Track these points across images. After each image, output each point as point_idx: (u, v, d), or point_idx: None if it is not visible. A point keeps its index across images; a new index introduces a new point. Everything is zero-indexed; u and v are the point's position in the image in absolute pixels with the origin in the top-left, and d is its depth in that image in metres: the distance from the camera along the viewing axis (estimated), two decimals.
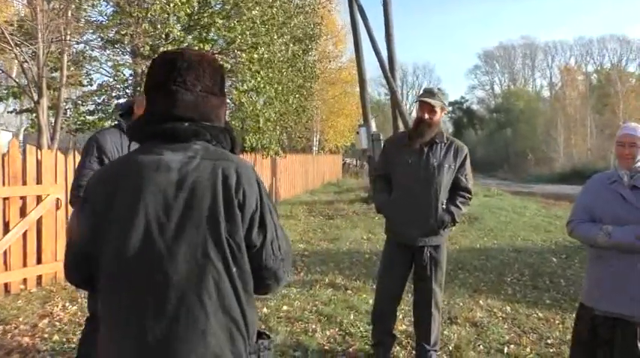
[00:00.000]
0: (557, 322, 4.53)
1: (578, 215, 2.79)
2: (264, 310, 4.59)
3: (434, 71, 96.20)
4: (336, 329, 4.23)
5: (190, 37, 8.75)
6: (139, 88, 8.55)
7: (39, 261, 5.37)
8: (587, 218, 2.73)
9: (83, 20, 7.93)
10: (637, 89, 50.29)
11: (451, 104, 69.26)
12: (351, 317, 4.51)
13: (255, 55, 9.37)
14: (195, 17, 8.87)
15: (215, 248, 1.28)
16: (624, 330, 2.56)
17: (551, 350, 3.88)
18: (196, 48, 8.15)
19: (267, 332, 1.48)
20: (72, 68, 9.24)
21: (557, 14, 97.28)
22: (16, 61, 8.55)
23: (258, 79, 9.75)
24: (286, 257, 1.42)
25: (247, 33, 9.08)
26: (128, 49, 8.98)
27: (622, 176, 2.65)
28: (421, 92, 3.59)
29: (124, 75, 8.98)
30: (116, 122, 3.06)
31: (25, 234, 5.21)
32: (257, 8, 9.43)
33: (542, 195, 19.74)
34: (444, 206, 3.35)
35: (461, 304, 5.00)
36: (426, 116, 3.30)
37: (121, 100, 9.26)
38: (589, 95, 49.17)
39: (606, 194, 2.69)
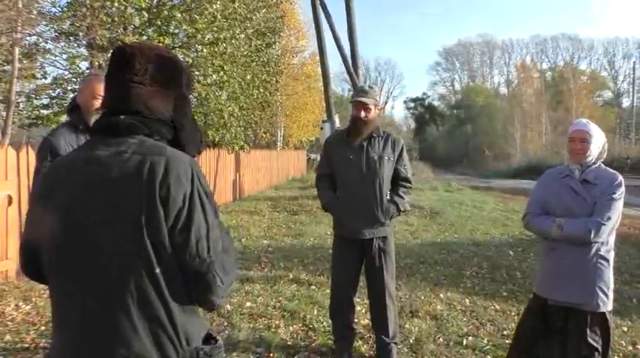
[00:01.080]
0: (512, 313, 4.68)
1: (532, 208, 2.90)
2: (227, 307, 4.56)
3: (396, 67, 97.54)
4: (300, 325, 4.25)
5: (150, 29, 8.54)
6: None
7: None
8: (541, 211, 2.84)
9: (35, 12, 7.61)
10: (588, 87, 52.44)
11: (413, 100, 70.54)
12: (315, 312, 4.54)
13: (217, 50, 9.24)
14: (155, 10, 8.66)
15: (136, 246, 1.22)
16: (577, 318, 2.69)
17: (507, 341, 3.98)
18: (156, 41, 7.97)
19: (216, 336, 1.39)
20: (24, 61, 8.88)
21: (516, 13, 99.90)
22: None
23: (221, 73, 9.62)
24: (217, 260, 1.28)
25: (209, 27, 8.93)
26: (84, 42, 8.68)
27: (573, 170, 2.77)
28: (354, 91, 3.71)
29: (80, 68, 8.67)
30: (68, 119, 2.97)
31: None
32: (218, 2, 9.28)
33: (500, 190, 20.32)
34: (387, 197, 3.46)
35: (422, 297, 5.10)
36: (362, 114, 3.45)
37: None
38: (544, 92, 50.78)
39: (559, 188, 2.81)
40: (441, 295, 5.19)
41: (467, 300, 5.03)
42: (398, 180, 3.55)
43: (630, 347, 3.96)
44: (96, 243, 1.25)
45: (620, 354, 3.82)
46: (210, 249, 1.26)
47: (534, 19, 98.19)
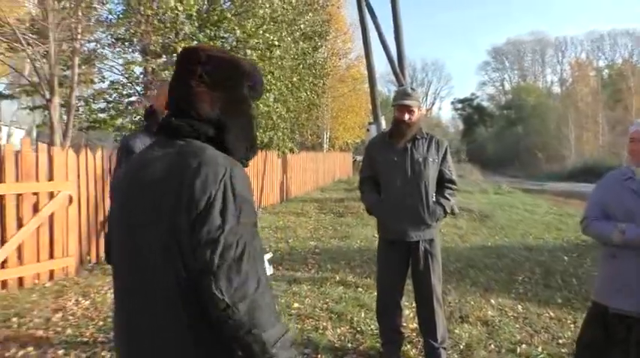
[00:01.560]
0: (569, 321, 4.50)
1: (591, 212, 2.77)
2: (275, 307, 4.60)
3: (444, 68, 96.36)
4: (347, 327, 4.24)
5: (202, 34, 8.78)
6: (151, 85, 8.60)
7: (51, 255, 5.46)
8: (601, 215, 2.71)
9: (93, 19, 7.98)
10: None
11: (461, 101, 69.16)
12: (362, 315, 4.52)
13: (268, 54, 9.38)
14: (205, 15, 8.89)
15: (171, 247, 1.21)
16: (639, 329, 2.54)
17: (563, 350, 3.85)
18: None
19: None
20: (83, 67, 9.31)
21: (567, 10, 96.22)
22: (28, 60, 8.61)
23: (269, 76, 9.77)
24: (224, 266, 1.17)
25: (259, 31, 9.08)
26: (138, 48, 9.02)
27: (636, 172, 2.63)
28: (395, 94, 3.65)
29: (135, 73, 9.03)
30: (145, 124, 3.10)
31: (37, 230, 5.29)
32: (267, 5, 9.43)
33: (553, 193, 19.64)
34: (433, 199, 3.41)
35: (472, 303, 4.98)
36: (406, 117, 3.39)
37: (132, 98, 9.32)
38: (601, 91, 48.63)
39: (620, 191, 2.67)
40: (492, 300, 5.04)
41: (519, 306, 4.87)
42: (443, 182, 3.49)
43: None
44: (140, 243, 1.27)
45: None
46: (215, 255, 1.16)
47: (589, 15, 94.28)
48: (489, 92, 69.62)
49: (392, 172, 3.42)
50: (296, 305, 4.76)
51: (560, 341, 4.04)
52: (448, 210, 3.46)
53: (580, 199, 14.75)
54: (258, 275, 1.21)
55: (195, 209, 1.19)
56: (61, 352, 3.64)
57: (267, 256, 2.85)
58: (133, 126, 9.76)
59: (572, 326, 4.39)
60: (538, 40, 63.90)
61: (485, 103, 69.07)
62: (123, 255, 1.35)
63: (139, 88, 9.08)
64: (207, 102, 1.34)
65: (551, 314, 4.69)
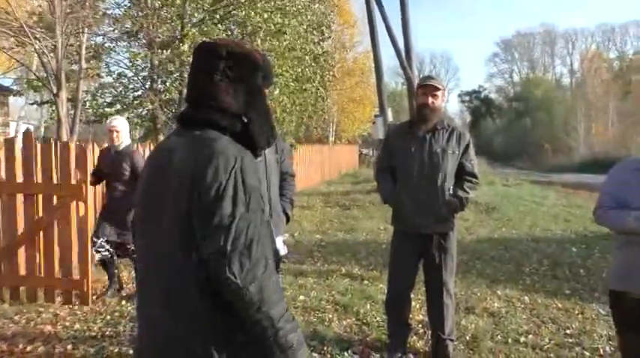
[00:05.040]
0: (576, 312, 4.48)
1: (605, 202, 2.75)
2: None
3: (451, 59, 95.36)
4: (353, 319, 4.24)
5: (210, 22, 8.71)
6: (156, 77, 8.62)
7: None
8: (615, 204, 2.69)
9: (101, 13, 7.99)
10: None
11: (469, 93, 68.57)
12: (368, 307, 4.52)
13: (276, 42, 9.34)
14: (211, 8, 8.87)
15: (182, 235, 1.28)
16: None
17: (571, 340, 3.84)
18: (214, 34, 8.13)
19: None
20: (90, 61, 9.34)
21: (577, 1, 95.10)
22: (35, 55, 8.65)
23: (275, 67, 9.74)
24: (235, 252, 1.24)
25: (268, 20, 9.03)
26: (144, 41, 9.03)
27: None
28: (420, 79, 3.60)
29: (140, 66, 9.04)
30: None
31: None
32: None
33: (561, 185, 19.45)
34: (450, 192, 3.33)
35: (478, 294, 4.97)
36: (430, 100, 3.30)
37: (138, 92, 9.33)
38: (611, 82, 48.09)
39: (633, 180, 2.65)
40: (499, 292, 5.03)
41: (526, 298, 4.85)
42: (463, 175, 3.39)
43: None
44: (155, 231, 1.34)
45: None
46: (228, 241, 1.23)
47: (600, 6, 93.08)
48: (498, 84, 69.08)
49: (409, 162, 3.33)
50: (302, 297, 4.77)
51: (568, 331, 4.03)
52: (465, 203, 3.36)
53: (588, 190, 14.65)
54: (266, 258, 1.29)
55: (206, 196, 1.26)
56: (69, 347, 3.67)
57: (283, 238, 2.86)
58: (139, 120, 9.80)
59: (579, 316, 4.37)
60: (547, 31, 63.24)
61: (493, 95, 68.53)
62: (139, 242, 1.46)
63: (144, 81, 9.08)
64: (230, 95, 1.41)
65: (559, 305, 4.67)
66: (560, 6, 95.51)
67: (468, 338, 3.85)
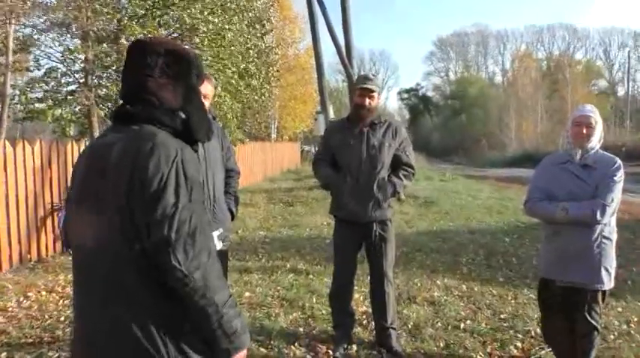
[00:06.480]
0: (509, 298, 4.74)
1: (534, 194, 2.95)
2: None
3: (390, 58, 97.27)
4: (299, 313, 4.29)
5: (149, 18, 8.45)
6: (92, 72, 8.26)
7: None
8: (544, 196, 2.89)
9: (30, 2, 7.54)
10: (584, 76, 52.47)
11: (407, 91, 70.31)
12: (314, 300, 4.58)
13: (219, 40, 9.19)
14: (150, 2, 8.60)
15: (122, 231, 1.29)
16: (577, 297, 2.77)
17: (505, 324, 4.06)
18: (154, 32, 7.90)
19: None
20: (17, 54, 8.82)
21: (511, 3, 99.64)
22: None
23: (219, 65, 9.57)
24: (180, 241, 1.26)
25: (209, 17, 8.86)
26: (78, 34, 8.61)
27: (574, 154, 2.82)
28: (357, 79, 3.73)
29: (74, 61, 8.61)
30: None
31: None
32: None
33: (495, 179, 20.35)
34: (385, 179, 3.47)
35: (419, 284, 5.15)
36: (366, 101, 3.45)
37: (72, 87, 8.90)
38: (540, 81, 50.69)
39: (559, 174, 2.87)
40: (438, 282, 5.24)
41: (464, 286, 5.08)
42: (399, 164, 3.55)
43: (624, 326, 4.04)
44: (93, 224, 1.34)
45: (615, 333, 3.89)
46: (172, 230, 1.26)
47: (530, 9, 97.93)
48: (435, 82, 71.20)
49: (348, 155, 3.46)
50: (247, 294, 4.77)
51: (502, 316, 4.26)
52: (399, 190, 3.51)
53: (520, 184, 15.41)
54: (209, 246, 1.34)
55: (149, 188, 1.27)
56: (3, 355, 3.48)
57: (217, 233, 2.85)
58: (74, 117, 9.35)
59: (512, 302, 4.63)
60: (480, 31, 65.82)
61: (430, 93, 70.60)
62: (74, 243, 1.43)
63: (77, 76, 8.66)
64: (170, 91, 1.45)
65: (494, 291, 4.92)
66: (494, 7, 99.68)
67: (410, 326, 4.00)
